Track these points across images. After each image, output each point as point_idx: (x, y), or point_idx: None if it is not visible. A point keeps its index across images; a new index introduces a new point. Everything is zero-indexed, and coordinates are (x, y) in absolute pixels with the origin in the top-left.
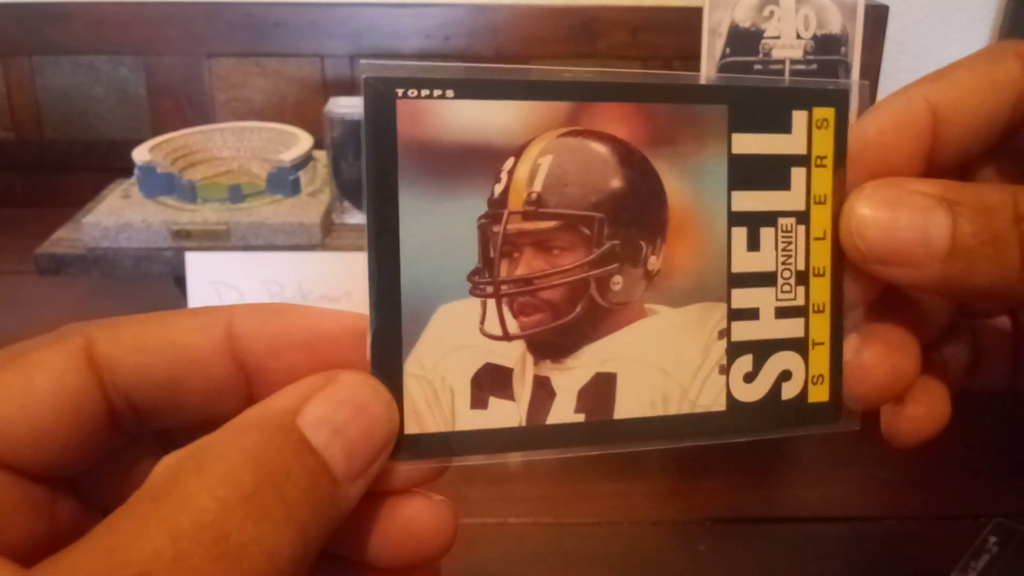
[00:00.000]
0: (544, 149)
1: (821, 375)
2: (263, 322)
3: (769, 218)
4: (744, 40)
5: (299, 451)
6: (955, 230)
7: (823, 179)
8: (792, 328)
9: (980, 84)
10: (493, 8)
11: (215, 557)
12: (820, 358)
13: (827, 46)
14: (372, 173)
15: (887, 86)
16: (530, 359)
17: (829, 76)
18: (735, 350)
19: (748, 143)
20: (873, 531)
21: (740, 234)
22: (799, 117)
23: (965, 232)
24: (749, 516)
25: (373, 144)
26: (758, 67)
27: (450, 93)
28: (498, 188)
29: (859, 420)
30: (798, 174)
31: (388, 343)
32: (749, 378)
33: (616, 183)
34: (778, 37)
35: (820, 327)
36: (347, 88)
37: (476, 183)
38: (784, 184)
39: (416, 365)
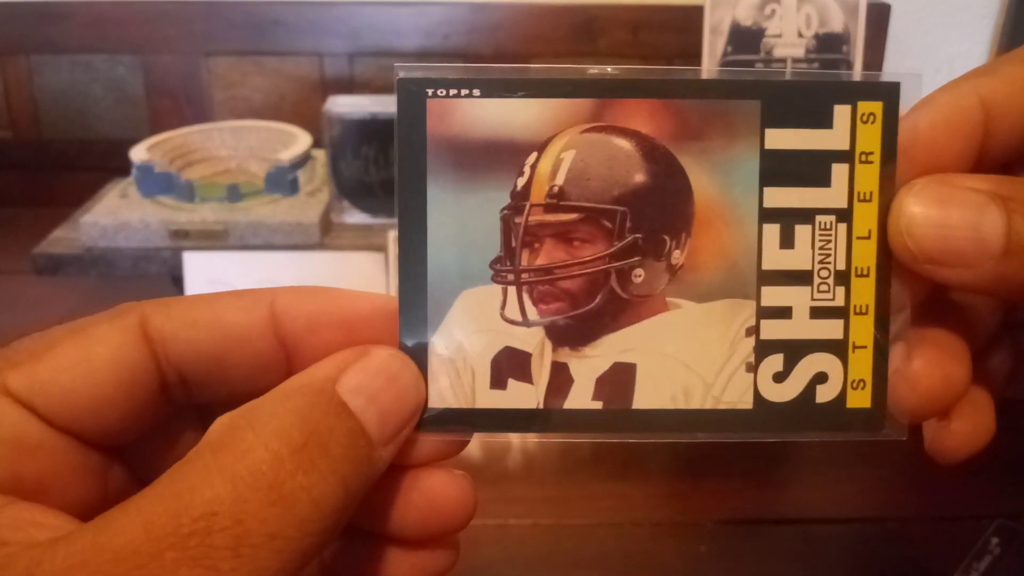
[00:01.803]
0: (567, 144)
1: (862, 380)
2: (303, 302)
3: (805, 215)
4: (745, 38)
5: (339, 413)
6: (1009, 227)
7: (868, 176)
8: (829, 329)
9: None
10: (493, 6)
11: (270, 502)
12: (861, 362)
13: (829, 44)
14: (403, 167)
15: None
16: (548, 345)
17: None
18: (764, 348)
19: (783, 138)
20: (875, 532)
21: (772, 231)
22: (841, 112)
23: (1020, 229)
24: (750, 518)
25: (405, 140)
26: (759, 66)
27: (476, 92)
28: (521, 182)
29: (906, 430)
30: (839, 170)
31: (415, 323)
32: (779, 378)
33: (639, 178)
34: (780, 35)
35: (862, 330)
36: (346, 87)
37: (500, 177)
38: (823, 180)
39: (440, 345)
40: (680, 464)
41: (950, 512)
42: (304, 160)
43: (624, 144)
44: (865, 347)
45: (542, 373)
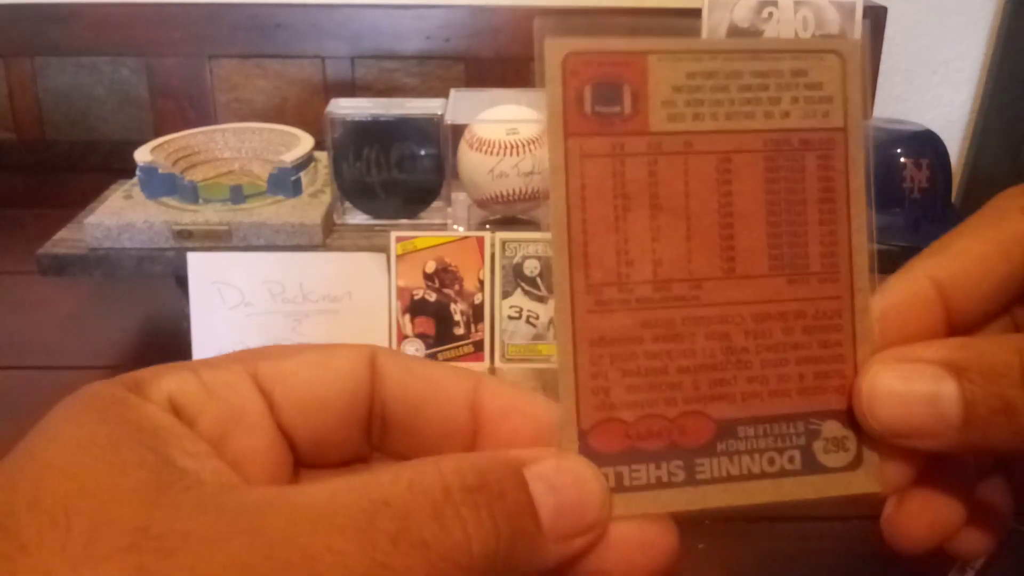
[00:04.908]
0: None
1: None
2: (505, 390)
3: None
4: None
5: (516, 485)
6: (965, 400)
7: None
8: None
9: (986, 252)
10: (493, 9)
11: (433, 516)
12: None
13: None
14: None
15: (885, 87)
16: None
17: None
18: None
19: None
20: (872, 530)
21: None
22: None
23: (976, 401)
24: (748, 515)
25: None
26: None
27: None
28: None
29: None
30: None
31: None
32: None
33: None
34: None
35: None
36: (348, 89)
37: None
38: None
39: None
40: None
41: None
42: (306, 162)
43: None
44: None
45: None
